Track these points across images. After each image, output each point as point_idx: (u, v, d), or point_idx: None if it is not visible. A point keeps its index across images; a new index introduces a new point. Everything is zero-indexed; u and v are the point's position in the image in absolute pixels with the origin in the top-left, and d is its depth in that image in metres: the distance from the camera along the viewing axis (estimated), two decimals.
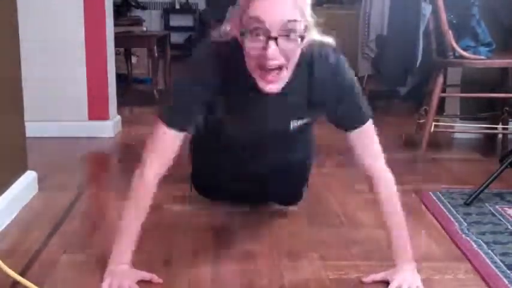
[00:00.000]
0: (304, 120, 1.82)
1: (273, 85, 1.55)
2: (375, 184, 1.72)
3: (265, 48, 1.47)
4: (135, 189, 1.68)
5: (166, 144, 1.67)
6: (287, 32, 1.48)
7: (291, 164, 2.05)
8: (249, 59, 1.54)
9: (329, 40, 1.68)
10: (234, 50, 1.58)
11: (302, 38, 1.51)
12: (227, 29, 1.66)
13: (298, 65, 1.58)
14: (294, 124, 1.79)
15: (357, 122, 1.72)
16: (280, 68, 1.52)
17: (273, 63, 1.50)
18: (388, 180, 1.73)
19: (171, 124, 1.66)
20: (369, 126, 1.73)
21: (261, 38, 1.48)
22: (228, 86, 1.66)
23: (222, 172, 2.06)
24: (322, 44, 1.66)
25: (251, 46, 1.50)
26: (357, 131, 1.71)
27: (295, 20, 1.48)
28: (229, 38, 1.62)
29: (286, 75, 1.55)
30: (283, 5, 1.47)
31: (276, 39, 1.47)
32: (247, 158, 1.97)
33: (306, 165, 2.15)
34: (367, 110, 1.74)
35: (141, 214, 1.68)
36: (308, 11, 1.54)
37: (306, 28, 1.53)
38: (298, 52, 1.55)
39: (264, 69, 1.52)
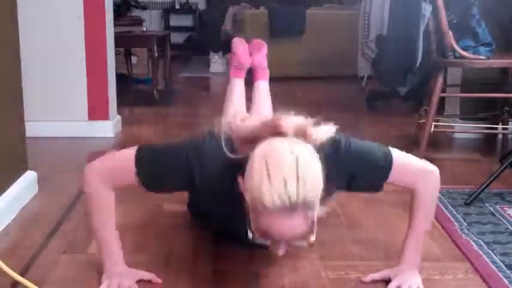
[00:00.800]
0: None
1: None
2: (414, 192, 1.69)
3: (273, 243, 1.44)
4: (92, 200, 1.65)
5: (121, 178, 1.63)
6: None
7: None
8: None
9: (326, 132, 1.52)
10: (239, 166, 1.46)
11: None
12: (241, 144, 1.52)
13: None
14: None
15: (378, 182, 1.65)
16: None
17: (280, 254, 1.47)
18: (427, 189, 1.69)
19: (140, 176, 1.58)
20: (395, 165, 1.63)
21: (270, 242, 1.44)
22: (226, 194, 1.53)
23: (216, 221, 1.95)
24: (321, 146, 1.50)
25: (260, 238, 1.44)
26: (389, 181, 1.65)
27: (305, 236, 1.42)
28: (241, 156, 1.48)
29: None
30: (295, 229, 1.38)
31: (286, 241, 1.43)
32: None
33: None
34: (383, 159, 1.63)
35: (110, 214, 1.66)
36: (317, 207, 1.41)
37: (313, 224, 1.43)
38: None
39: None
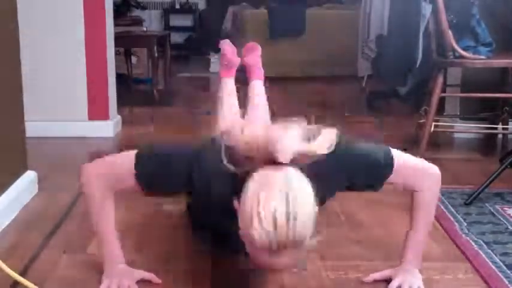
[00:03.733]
0: None
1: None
2: (414, 192, 1.69)
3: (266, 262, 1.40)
4: (91, 200, 1.65)
5: (122, 182, 1.62)
6: None
7: None
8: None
9: (327, 142, 1.48)
10: (236, 177, 1.45)
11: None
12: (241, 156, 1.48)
13: None
14: None
15: (379, 181, 1.64)
16: None
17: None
18: (431, 191, 1.69)
19: (139, 178, 1.58)
20: (396, 165, 1.62)
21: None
22: (221, 204, 1.52)
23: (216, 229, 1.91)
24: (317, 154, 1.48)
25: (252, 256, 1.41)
26: (389, 181, 1.64)
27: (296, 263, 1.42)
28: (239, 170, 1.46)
29: None
30: (287, 261, 1.38)
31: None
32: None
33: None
34: (383, 159, 1.63)
35: (109, 214, 1.66)
36: (309, 241, 1.40)
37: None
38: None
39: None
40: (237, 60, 2.62)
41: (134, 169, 1.57)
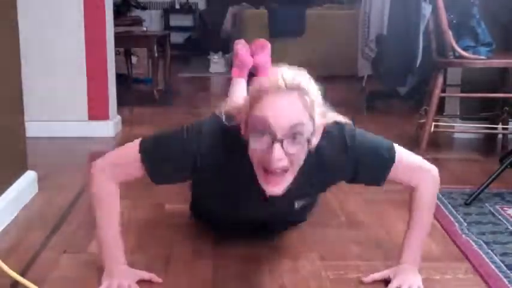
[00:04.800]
0: (312, 197, 1.81)
1: (276, 188, 1.47)
2: (413, 192, 1.70)
3: (269, 150, 1.40)
4: (96, 199, 1.65)
5: (130, 174, 1.63)
6: (293, 135, 1.41)
7: (293, 222, 2.03)
8: (252, 157, 1.47)
9: (339, 118, 1.60)
10: (240, 141, 1.49)
11: (309, 141, 1.44)
12: (236, 110, 1.56)
13: (306, 158, 1.49)
14: (300, 203, 1.74)
15: (382, 175, 1.65)
16: (284, 170, 1.45)
17: (277, 166, 1.42)
18: (428, 190, 1.69)
19: (146, 167, 1.59)
20: (398, 159, 1.64)
21: (266, 138, 1.41)
22: (230, 170, 1.58)
23: (220, 217, 1.95)
24: (330, 127, 1.56)
25: (255, 147, 1.43)
26: (391, 174, 1.65)
27: (302, 123, 1.41)
28: (236, 123, 1.53)
29: (290, 177, 1.47)
30: (291, 107, 1.41)
31: (281, 141, 1.40)
32: (244, 222, 1.89)
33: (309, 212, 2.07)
34: (388, 152, 1.64)
35: (113, 213, 1.66)
36: (318, 113, 1.46)
37: (314, 132, 1.45)
38: (304, 155, 1.47)
39: (268, 171, 1.44)
40: (250, 61, 2.62)
41: (140, 157, 1.58)
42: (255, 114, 1.42)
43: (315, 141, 1.47)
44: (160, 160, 1.59)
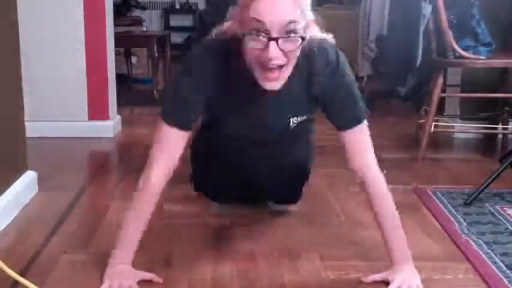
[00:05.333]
0: (304, 117, 1.82)
1: (274, 83, 1.57)
2: (366, 184, 1.71)
3: (265, 48, 1.49)
4: (138, 197, 1.67)
5: (171, 144, 1.68)
6: (287, 32, 1.50)
7: (291, 165, 2.05)
8: (249, 57, 1.55)
9: (328, 37, 1.71)
10: (233, 48, 1.60)
11: (302, 38, 1.53)
12: (226, 27, 1.68)
13: (298, 60, 1.59)
14: (294, 121, 1.80)
15: (352, 121, 1.73)
16: (280, 66, 1.54)
17: (274, 62, 1.52)
18: (380, 180, 1.72)
19: (172, 122, 1.67)
20: (363, 127, 1.74)
21: (262, 38, 1.49)
22: (228, 83, 1.68)
23: (222, 175, 2.06)
24: (321, 41, 1.68)
25: (251, 46, 1.52)
26: (350, 130, 1.72)
27: (295, 21, 1.50)
28: (228, 37, 1.64)
29: (286, 73, 1.57)
30: (283, 6, 1.49)
31: (276, 39, 1.48)
32: (247, 159, 1.97)
33: (305, 166, 2.15)
34: (363, 110, 1.76)
35: (142, 223, 1.67)
36: (308, 9, 1.56)
37: (306, 28, 1.55)
38: (298, 52, 1.56)
39: (265, 67, 1.53)
40: None
41: (162, 120, 1.67)
42: (250, 15, 1.49)
43: (308, 37, 1.56)
44: (175, 100, 1.70)
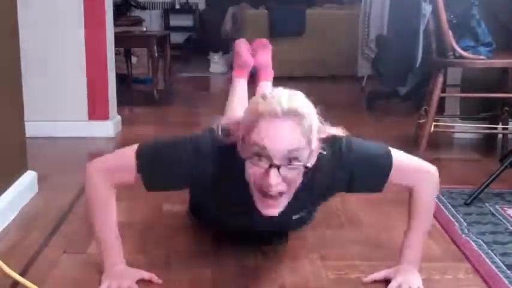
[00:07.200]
0: (310, 210, 1.82)
1: (272, 210, 1.50)
2: (412, 192, 1.70)
3: (266, 174, 1.42)
4: (92, 199, 1.65)
5: (126, 179, 1.63)
6: (290, 160, 1.43)
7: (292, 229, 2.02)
8: (249, 179, 1.48)
9: (335, 131, 1.58)
10: (237, 158, 1.50)
11: (305, 165, 1.46)
12: (231, 128, 1.56)
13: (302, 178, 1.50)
14: (297, 216, 1.73)
15: (380, 182, 1.65)
16: (281, 193, 1.47)
17: (274, 190, 1.44)
18: (424, 190, 1.69)
19: (145, 179, 1.60)
20: (395, 165, 1.64)
21: (263, 163, 1.43)
22: (226, 187, 1.60)
23: (218, 223, 1.96)
24: (325, 145, 1.56)
25: (252, 171, 1.45)
26: (387, 182, 1.65)
27: (299, 149, 1.43)
28: (233, 140, 1.54)
29: (286, 200, 1.50)
30: (288, 133, 1.42)
31: (278, 167, 1.41)
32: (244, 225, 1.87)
33: (306, 224, 2.04)
34: (384, 159, 1.64)
35: (110, 213, 1.66)
36: (315, 134, 1.48)
37: (310, 156, 1.47)
38: (301, 178, 1.48)
39: (265, 194, 1.46)
40: (251, 61, 2.61)
41: (136, 165, 1.59)
42: (252, 138, 1.43)
43: (311, 163, 1.48)
44: (156, 172, 1.60)
